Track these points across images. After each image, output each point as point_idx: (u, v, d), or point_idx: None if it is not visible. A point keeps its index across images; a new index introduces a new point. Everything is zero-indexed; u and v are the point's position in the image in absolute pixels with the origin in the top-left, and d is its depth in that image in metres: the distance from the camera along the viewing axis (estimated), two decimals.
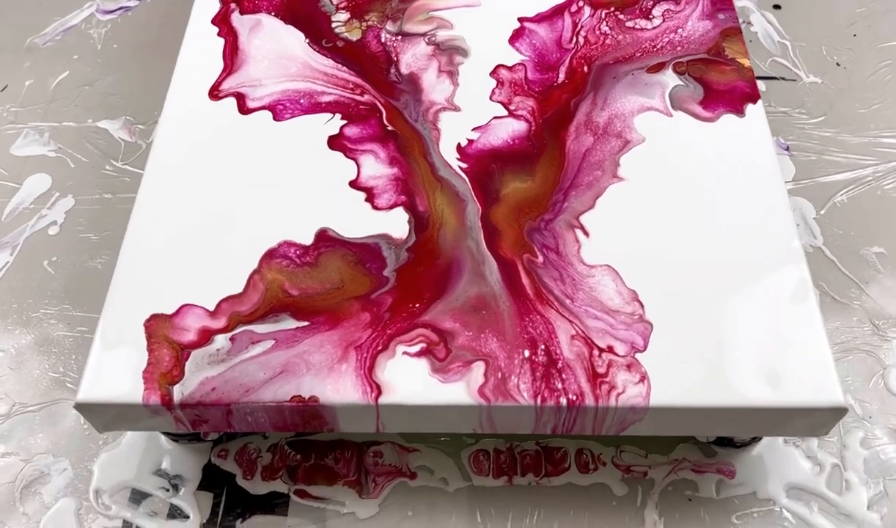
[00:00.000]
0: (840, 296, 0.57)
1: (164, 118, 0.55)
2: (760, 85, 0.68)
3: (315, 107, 0.55)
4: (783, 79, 0.70)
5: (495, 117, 0.54)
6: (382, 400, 0.43)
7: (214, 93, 0.56)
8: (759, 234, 0.48)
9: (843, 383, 0.48)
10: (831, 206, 0.62)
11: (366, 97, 0.56)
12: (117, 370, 0.44)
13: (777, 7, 0.75)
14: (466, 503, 0.49)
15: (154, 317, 0.46)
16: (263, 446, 0.52)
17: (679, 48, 0.57)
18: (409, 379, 0.43)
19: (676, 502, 0.48)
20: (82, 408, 0.44)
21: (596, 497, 0.48)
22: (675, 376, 0.43)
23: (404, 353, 0.44)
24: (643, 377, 0.43)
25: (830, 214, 0.61)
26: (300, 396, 0.43)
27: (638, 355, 0.44)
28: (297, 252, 0.48)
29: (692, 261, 0.47)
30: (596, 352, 0.44)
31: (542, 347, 0.44)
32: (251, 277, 0.47)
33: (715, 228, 0.48)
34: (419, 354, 0.44)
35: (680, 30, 0.58)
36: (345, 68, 0.57)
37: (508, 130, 0.54)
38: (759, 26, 0.74)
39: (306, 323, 0.45)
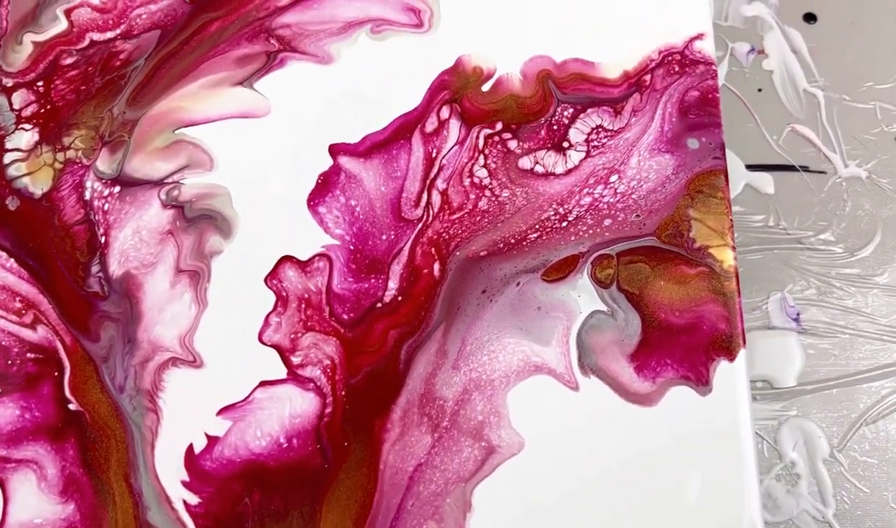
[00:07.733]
0: None
1: None
2: (762, 181, 0.42)
3: None
4: (805, 169, 0.43)
5: (263, 384, 0.30)
6: None
7: None
8: None
9: None
10: (858, 438, 0.38)
11: (40, 331, 0.31)
12: None
13: (810, 19, 0.46)
14: None
15: None
16: None
17: (609, 223, 0.32)
18: None
19: None
20: None
21: None
22: None
23: None
24: None
25: (855, 449, 0.38)
26: None
27: None
28: None
29: None
30: None
31: None
32: None
33: None
34: None
35: (615, 178, 0.32)
36: (13, 261, 0.32)
37: (283, 413, 0.30)
38: (776, 59, 0.45)
39: None
